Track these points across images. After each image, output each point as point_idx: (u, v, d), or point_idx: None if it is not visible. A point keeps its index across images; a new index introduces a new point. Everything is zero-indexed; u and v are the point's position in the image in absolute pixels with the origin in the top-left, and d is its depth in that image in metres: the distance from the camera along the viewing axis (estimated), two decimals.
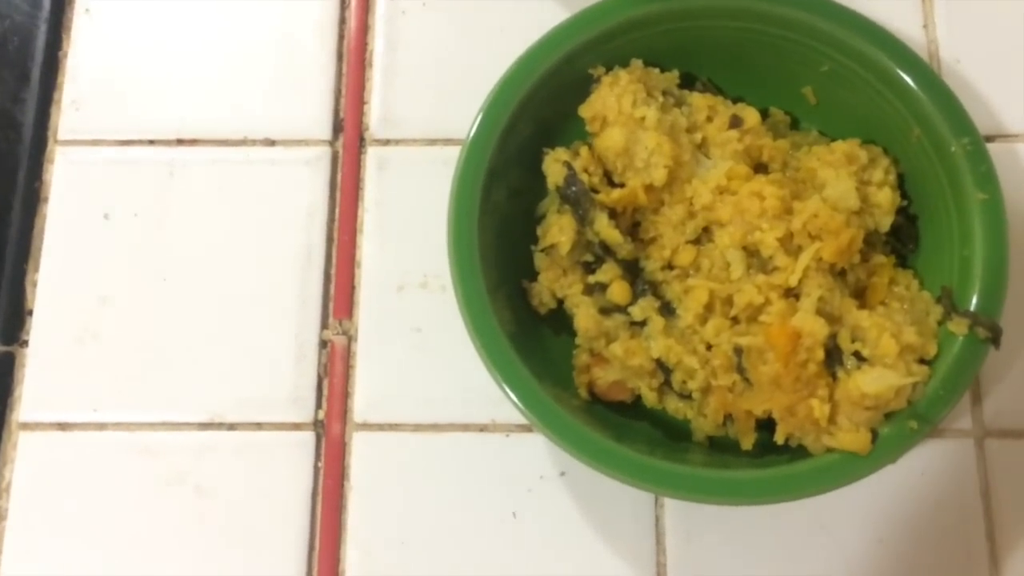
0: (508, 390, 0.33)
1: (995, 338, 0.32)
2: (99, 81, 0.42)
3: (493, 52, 0.37)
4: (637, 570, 0.36)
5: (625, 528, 0.36)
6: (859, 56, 0.36)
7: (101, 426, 0.38)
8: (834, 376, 0.32)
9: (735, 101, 0.38)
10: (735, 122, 0.37)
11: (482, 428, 0.38)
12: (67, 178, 0.41)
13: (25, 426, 0.38)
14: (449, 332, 0.37)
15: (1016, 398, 0.38)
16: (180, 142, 0.41)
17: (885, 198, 0.35)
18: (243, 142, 0.41)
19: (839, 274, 0.34)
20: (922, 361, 0.32)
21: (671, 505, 0.36)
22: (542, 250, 0.36)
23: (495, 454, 0.37)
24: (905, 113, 0.35)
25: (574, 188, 0.35)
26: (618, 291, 0.35)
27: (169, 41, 0.43)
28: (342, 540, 0.37)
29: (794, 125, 0.39)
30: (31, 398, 0.38)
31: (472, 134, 0.35)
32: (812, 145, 0.37)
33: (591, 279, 0.35)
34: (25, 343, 0.39)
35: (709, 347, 0.34)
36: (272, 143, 0.41)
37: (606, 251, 0.35)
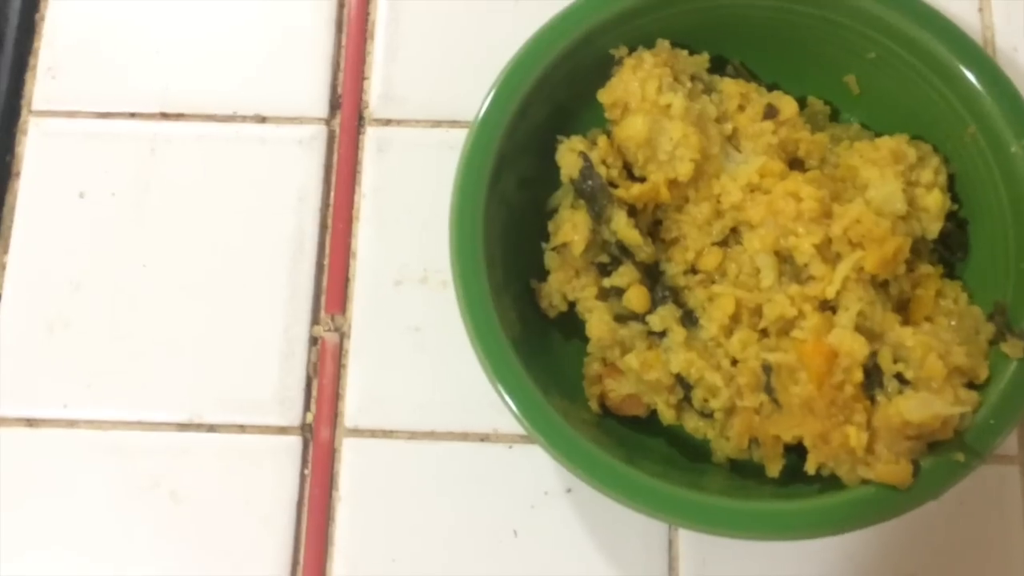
0: (510, 402, 0.30)
1: None
2: (78, 47, 0.39)
3: (507, 26, 0.34)
4: None
5: (635, 552, 0.34)
6: (910, 43, 0.32)
7: (72, 423, 0.35)
8: (873, 400, 0.29)
9: (770, 88, 0.35)
10: (770, 112, 0.33)
11: (483, 438, 0.35)
12: (41, 152, 0.38)
13: None
14: (450, 332, 0.34)
15: None
16: (164, 116, 0.38)
17: (934, 201, 0.32)
18: (232, 118, 0.38)
19: (881, 286, 0.30)
20: (971, 385, 0.29)
21: (691, 543, 0.34)
22: (553, 248, 0.33)
23: (496, 466, 0.35)
24: (959, 107, 0.32)
25: (590, 182, 0.32)
26: (636, 297, 0.31)
27: (155, 5, 0.39)
28: (328, 555, 0.34)
29: (834, 117, 0.36)
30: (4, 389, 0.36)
31: (481, 116, 0.32)
32: (854, 140, 0.34)
33: (606, 282, 0.32)
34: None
35: (734, 363, 0.30)
36: (263, 120, 0.38)
37: (623, 252, 0.32)
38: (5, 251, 0.37)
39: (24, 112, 0.38)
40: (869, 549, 0.33)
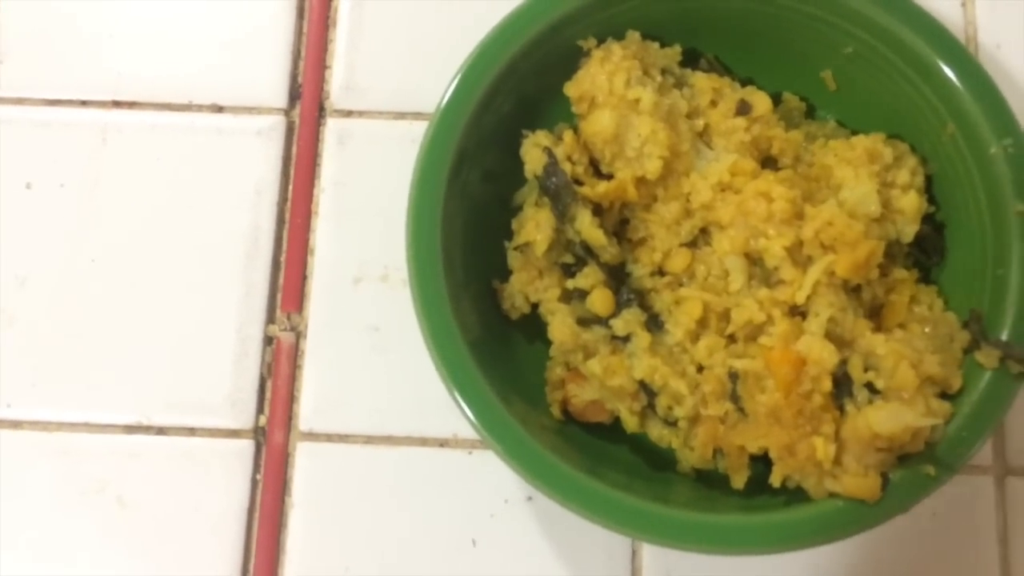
0: (465, 408, 0.29)
1: None
2: (28, 32, 0.37)
3: (476, 15, 0.33)
4: None
5: (597, 563, 0.33)
6: (888, 37, 0.31)
7: (15, 424, 0.34)
8: (842, 410, 0.28)
9: (744, 83, 0.34)
10: (743, 108, 0.32)
11: (442, 443, 0.34)
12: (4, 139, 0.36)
13: None
14: (410, 333, 0.32)
15: None
16: (116, 104, 0.37)
17: (910, 203, 0.30)
18: (187, 107, 0.37)
19: (853, 291, 0.29)
20: (944, 395, 0.28)
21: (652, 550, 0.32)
22: (516, 248, 0.32)
23: (455, 473, 0.33)
24: (939, 106, 0.31)
25: (554, 179, 0.31)
26: (599, 300, 0.30)
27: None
28: (280, 563, 0.33)
29: (810, 113, 0.34)
30: None
31: (442, 107, 0.31)
32: (829, 137, 0.33)
33: (570, 284, 0.31)
34: None
35: (700, 369, 0.29)
36: (220, 109, 0.37)
37: (588, 253, 0.31)
38: None
39: None
40: (838, 560, 0.32)
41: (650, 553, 0.33)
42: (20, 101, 0.37)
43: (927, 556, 0.33)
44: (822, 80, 0.33)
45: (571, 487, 0.28)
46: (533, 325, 0.32)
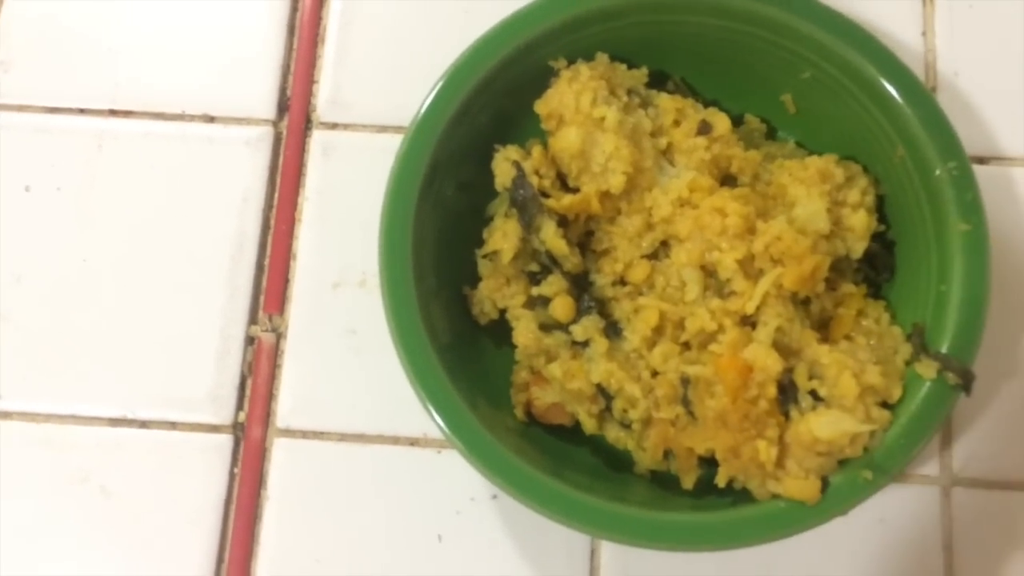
0: (432, 411, 0.30)
1: (966, 384, 0.29)
2: (31, 43, 0.39)
3: (458, 36, 0.34)
4: None
5: (559, 561, 0.34)
6: (841, 63, 0.33)
7: (5, 415, 0.35)
8: (787, 416, 0.29)
9: (709, 105, 0.35)
10: (704, 128, 0.34)
11: (412, 442, 0.35)
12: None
13: None
14: (385, 336, 0.34)
15: (989, 444, 0.35)
16: (113, 113, 0.39)
17: (860, 222, 0.32)
18: (180, 116, 0.39)
19: (802, 303, 0.31)
20: (884, 405, 0.30)
21: (614, 550, 0.34)
22: (485, 256, 0.33)
23: (424, 471, 0.35)
24: (889, 130, 0.32)
25: (522, 191, 0.32)
26: (561, 307, 0.32)
27: (109, 3, 0.40)
28: (254, 553, 0.34)
29: (771, 135, 0.36)
30: None
31: (416, 121, 0.32)
32: (788, 158, 0.34)
33: (534, 291, 0.33)
34: None
35: (655, 375, 0.31)
36: (211, 119, 0.39)
37: (552, 262, 0.32)
38: None
39: None
40: (788, 563, 0.34)
41: (608, 552, 0.34)
42: (22, 108, 0.39)
43: (874, 562, 0.34)
44: (782, 103, 0.35)
45: (533, 487, 0.29)
46: (501, 331, 0.34)
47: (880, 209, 0.33)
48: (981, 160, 0.38)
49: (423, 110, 0.33)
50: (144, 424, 0.35)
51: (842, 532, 0.34)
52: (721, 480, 0.29)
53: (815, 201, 0.31)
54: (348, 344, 0.36)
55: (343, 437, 0.35)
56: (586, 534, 0.33)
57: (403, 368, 0.30)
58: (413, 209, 0.32)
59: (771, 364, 0.29)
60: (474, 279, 0.34)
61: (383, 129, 0.38)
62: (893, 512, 0.34)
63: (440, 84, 0.33)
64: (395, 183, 0.32)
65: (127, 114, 0.39)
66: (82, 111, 0.39)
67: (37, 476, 0.35)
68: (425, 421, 0.35)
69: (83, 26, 0.40)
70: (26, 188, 0.38)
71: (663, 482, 0.32)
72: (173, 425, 0.35)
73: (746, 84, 0.35)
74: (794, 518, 0.29)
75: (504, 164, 0.33)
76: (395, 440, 0.35)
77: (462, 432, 0.30)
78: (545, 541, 0.34)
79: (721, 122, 0.33)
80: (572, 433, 0.33)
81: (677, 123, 0.34)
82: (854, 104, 0.33)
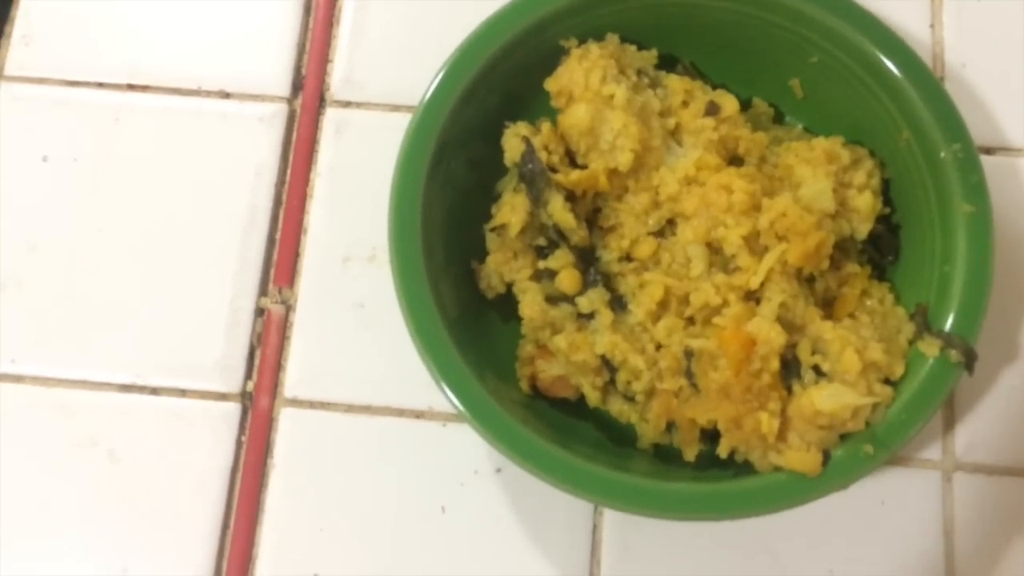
0: (441, 380, 0.31)
1: (968, 363, 0.30)
2: (52, 17, 0.40)
3: (471, 16, 0.35)
4: None
5: (560, 534, 0.34)
6: (848, 47, 0.33)
7: (18, 378, 0.36)
8: (789, 390, 0.30)
9: (717, 88, 0.36)
10: (711, 109, 0.34)
11: (418, 415, 0.36)
12: (9, 115, 0.39)
13: None
14: (393, 310, 0.34)
15: (992, 430, 0.35)
16: (131, 87, 0.39)
17: (865, 203, 0.32)
18: (196, 92, 0.39)
19: (807, 280, 0.31)
20: (887, 382, 0.30)
21: (610, 513, 0.34)
22: (492, 229, 0.34)
23: (429, 443, 0.35)
24: (895, 113, 0.33)
25: (530, 165, 0.33)
26: (567, 279, 0.32)
27: None
28: (259, 520, 0.35)
29: (779, 119, 0.36)
30: None
31: (426, 99, 0.33)
32: (795, 141, 0.35)
33: (541, 264, 0.33)
34: None
35: (659, 348, 0.31)
36: (227, 95, 0.39)
37: (559, 236, 0.33)
38: None
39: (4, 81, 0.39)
40: (788, 543, 0.34)
41: (610, 526, 0.34)
42: (42, 80, 0.39)
43: (875, 545, 0.34)
44: (790, 88, 0.36)
45: (540, 456, 0.29)
46: (508, 306, 0.34)
47: (885, 192, 0.34)
48: (988, 151, 0.38)
49: (431, 90, 0.33)
50: (154, 391, 0.36)
51: (843, 512, 0.34)
52: (723, 451, 0.30)
53: (821, 181, 0.32)
54: (356, 317, 0.37)
55: (349, 408, 0.36)
56: (591, 502, 0.33)
57: (413, 341, 0.31)
58: (422, 187, 0.32)
59: (774, 337, 0.29)
60: (482, 255, 0.35)
61: (395, 108, 0.39)
62: (895, 495, 0.34)
63: (448, 64, 0.33)
64: (404, 161, 0.32)
65: (144, 88, 0.39)
66: (100, 85, 0.39)
67: (47, 439, 0.35)
68: (430, 394, 0.35)
69: (104, 2, 0.40)
70: (44, 158, 0.38)
71: (664, 456, 0.32)
72: (182, 392, 0.36)
73: (754, 68, 0.36)
74: (795, 490, 0.29)
75: (513, 140, 0.33)
76: (400, 412, 0.36)
77: (471, 403, 0.30)
78: (548, 513, 0.34)
79: (729, 103, 0.34)
80: (576, 407, 0.34)
81: (685, 104, 0.34)
82: (861, 88, 0.33)
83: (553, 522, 0.34)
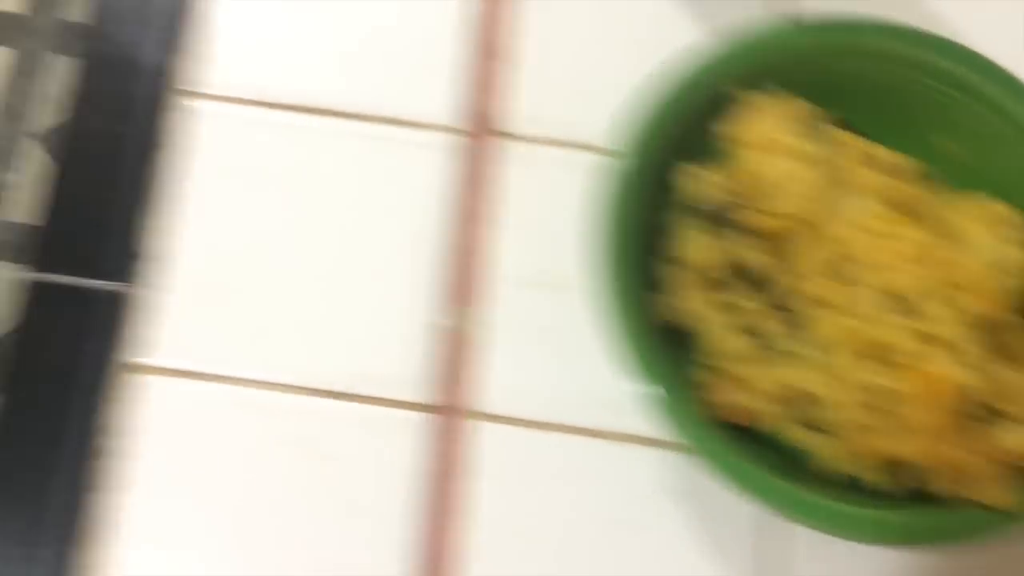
0: (656, 399, 0.33)
1: None
2: (253, 47, 0.43)
3: (638, 62, 0.39)
4: None
5: (746, 565, 0.37)
6: (1000, 109, 0.36)
7: (232, 380, 0.39)
8: (978, 430, 0.32)
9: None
10: (877, 163, 0.37)
11: (597, 435, 0.38)
12: (205, 131, 0.42)
13: (149, 369, 0.38)
14: (574, 333, 0.39)
15: None
16: (320, 112, 0.42)
17: None
18: (380, 119, 0.42)
19: (990, 330, 0.34)
20: None
21: (801, 548, 0.37)
22: (672, 262, 0.37)
23: (614, 464, 0.38)
24: None
25: (711, 207, 0.36)
26: (750, 312, 0.35)
27: (319, 16, 0.44)
28: (452, 525, 0.37)
29: (927, 175, 0.39)
30: (165, 343, 0.39)
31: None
32: (950, 200, 0.37)
33: (722, 297, 0.36)
34: (158, 289, 0.40)
35: (843, 381, 0.34)
36: (406, 124, 0.42)
37: (741, 272, 0.36)
38: (173, 217, 0.41)
39: (196, 98, 0.42)
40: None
41: (802, 560, 0.37)
42: (252, 103, 0.42)
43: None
44: (939, 145, 0.38)
45: (771, 490, 0.32)
46: (681, 334, 0.37)
47: None
48: None
49: (641, 130, 0.36)
50: (353, 398, 0.38)
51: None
52: (909, 483, 0.32)
53: (995, 241, 0.35)
54: (541, 339, 0.39)
55: (538, 425, 0.38)
56: (822, 532, 0.34)
57: (627, 363, 0.33)
58: (624, 216, 0.35)
59: (963, 379, 0.32)
60: (653, 285, 0.37)
61: (568, 144, 0.42)
62: None
63: (649, 116, 0.36)
64: (614, 191, 0.35)
65: (331, 113, 0.42)
66: (299, 108, 0.42)
67: (259, 439, 0.38)
68: (606, 413, 0.38)
69: (296, 30, 0.43)
70: (248, 175, 0.41)
71: (841, 485, 0.35)
72: (377, 400, 0.38)
73: (902, 126, 0.38)
74: (993, 522, 0.32)
75: (693, 181, 0.36)
76: (585, 432, 0.38)
77: (685, 423, 0.33)
78: (732, 540, 0.37)
79: (893, 159, 0.37)
80: (749, 434, 0.36)
81: (853, 156, 0.37)
82: (1013, 149, 0.36)
83: (740, 552, 0.37)
